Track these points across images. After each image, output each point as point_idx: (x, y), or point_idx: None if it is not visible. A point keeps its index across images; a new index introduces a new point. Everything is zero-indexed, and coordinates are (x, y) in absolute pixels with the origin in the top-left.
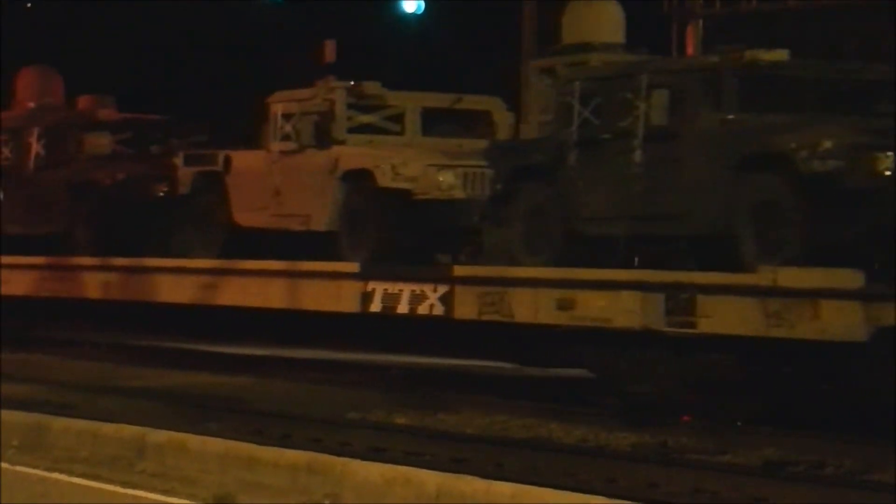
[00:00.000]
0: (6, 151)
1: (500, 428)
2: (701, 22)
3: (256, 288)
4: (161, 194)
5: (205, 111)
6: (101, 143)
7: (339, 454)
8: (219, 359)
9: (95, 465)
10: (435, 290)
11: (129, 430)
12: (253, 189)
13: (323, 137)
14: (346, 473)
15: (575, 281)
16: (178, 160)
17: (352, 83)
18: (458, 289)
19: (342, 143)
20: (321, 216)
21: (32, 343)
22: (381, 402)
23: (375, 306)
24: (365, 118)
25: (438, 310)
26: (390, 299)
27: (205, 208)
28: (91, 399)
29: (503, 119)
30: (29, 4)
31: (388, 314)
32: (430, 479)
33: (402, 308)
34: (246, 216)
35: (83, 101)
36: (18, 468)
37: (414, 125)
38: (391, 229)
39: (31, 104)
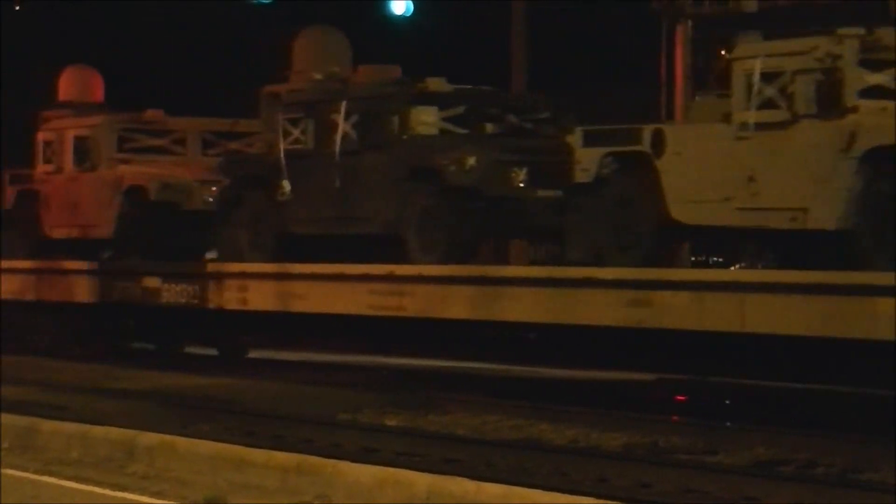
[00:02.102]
0: (294, 132)
1: (490, 429)
2: (690, 21)
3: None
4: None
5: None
6: (427, 119)
7: (329, 455)
8: (209, 361)
9: (86, 468)
10: None
11: (119, 433)
12: (706, 174)
13: (828, 103)
14: (337, 474)
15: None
16: (576, 139)
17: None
18: None
19: (854, 110)
20: (822, 209)
21: (22, 345)
22: (371, 403)
23: None
24: (875, 78)
25: None
26: None
27: (619, 202)
28: (81, 401)
29: None
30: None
31: None
32: (421, 480)
33: None
34: (692, 211)
35: (365, 72)
36: (8, 471)
37: None
38: None
39: (318, 75)
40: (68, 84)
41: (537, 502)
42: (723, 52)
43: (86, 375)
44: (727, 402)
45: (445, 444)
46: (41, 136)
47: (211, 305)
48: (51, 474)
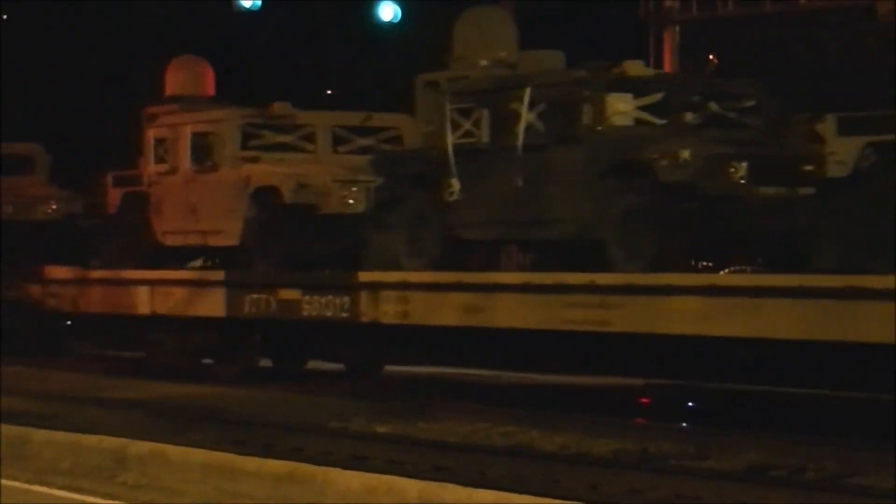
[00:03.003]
0: (464, 124)
1: (481, 436)
2: (678, 27)
3: None
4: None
5: None
6: (623, 108)
7: (320, 463)
8: (200, 369)
9: (77, 477)
10: None
11: (110, 442)
12: None
13: None
14: (328, 482)
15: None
16: (828, 127)
17: None
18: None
19: None
20: None
21: (9, 355)
22: (362, 410)
23: None
24: None
25: None
26: None
27: (881, 198)
28: (72, 410)
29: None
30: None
31: None
32: (412, 487)
33: None
34: None
35: (528, 58)
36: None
37: None
38: None
39: (483, 61)
40: (177, 77)
41: None
42: (711, 57)
43: (76, 385)
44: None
45: (436, 452)
46: (152, 134)
47: (364, 319)
48: (42, 483)
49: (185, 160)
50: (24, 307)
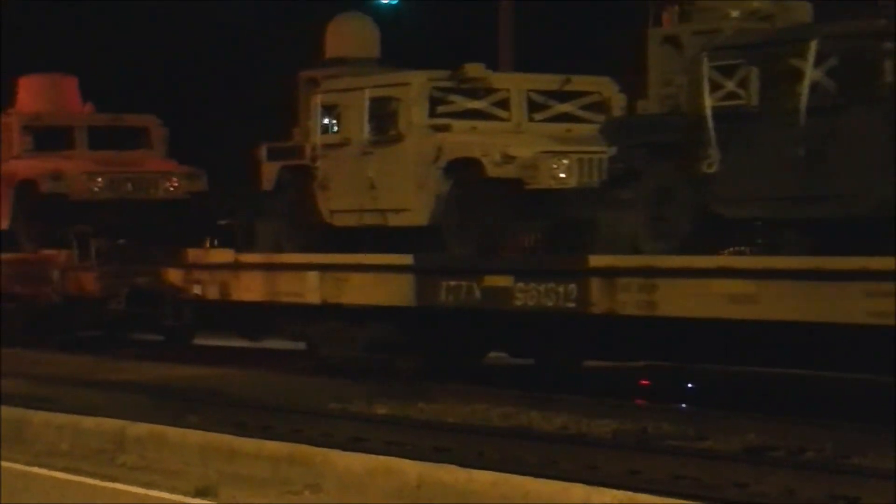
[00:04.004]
0: (727, 84)
1: (480, 417)
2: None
3: None
4: None
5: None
6: None
7: (319, 445)
8: (198, 351)
9: (76, 459)
10: None
11: (109, 424)
12: None
13: None
14: (327, 464)
15: None
16: None
17: None
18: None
19: None
20: None
21: (9, 338)
22: (361, 392)
23: None
24: None
25: None
26: None
27: None
28: (71, 393)
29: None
30: None
31: None
32: (411, 468)
33: None
34: None
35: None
36: None
37: None
38: None
39: (734, 12)
40: (338, 37)
41: (527, 490)
42: None
43: (74, 367)
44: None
45: (435, 433)
46: (319, 101)
47: (595, 311)
48: (42, 465)
49: (362, 130)
50: (156, 295)
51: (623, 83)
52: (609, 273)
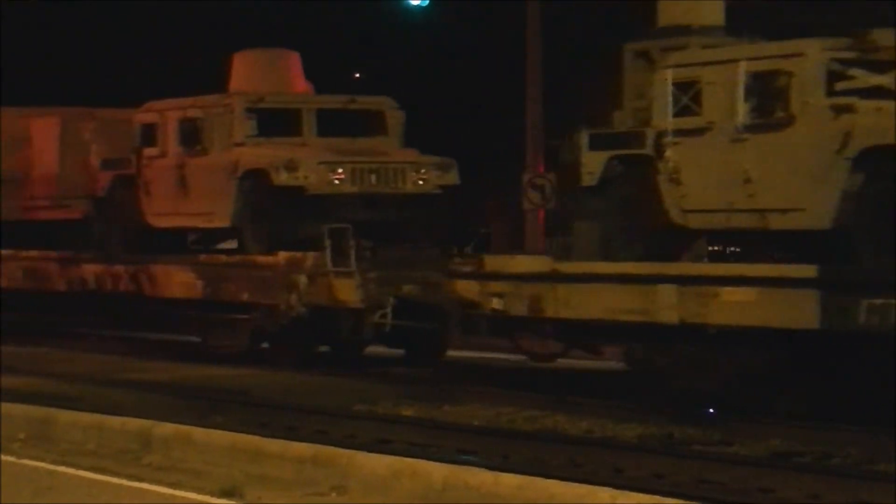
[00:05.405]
0: None
1: (506, 420)
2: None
3: None
4: None
5: None
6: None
7: (345, 446)
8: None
9: (102, 458)
10: None
11: (135, 423)
12: None
13: None
14: (353, 465)
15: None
16: None
17: None
18: None
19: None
20: None
21: (39, 335)
22: (387, 394)
23: None
24: None
25: None
26: None
27: None
28: (97, 392)
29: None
30: None
31: None
32: (437, 470)
33: None
34: None
35: None
36: (25, 461)
37: None
38: None
39: None
40: (677, 3)
41: (553, 493)
42: None
43: (100, 366)
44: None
45: (461, 435)
46: (669, 77)
47: None
48: (67, 465)
49: (733, 112)
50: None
51: None
52: None
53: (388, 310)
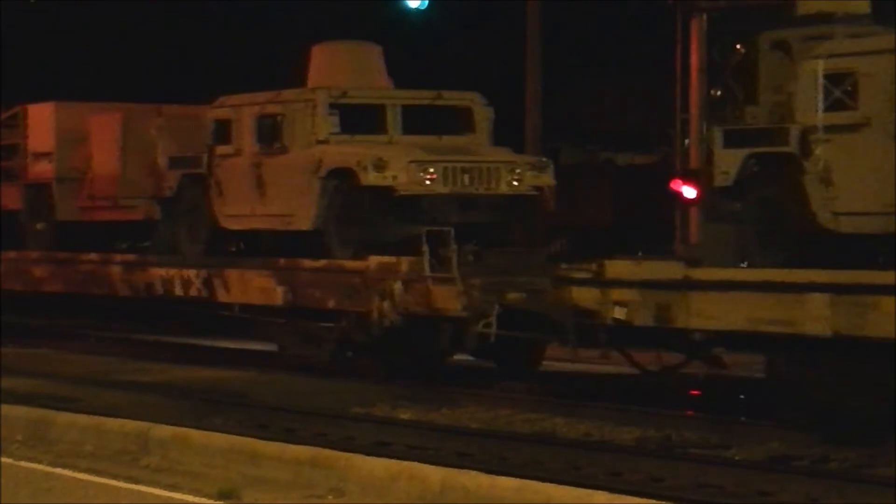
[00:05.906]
0: None
1: (503, 422)
2: (705, 16)
3: None
4: None
5: None
6: None
7: (342, 449)
8: (222, 353)
9: (100, 460)
10: None
11: (133, 425)
12: None
13: None
14: (350, 468)
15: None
16: None
17: None
18: None
19: None
20: None
21: (36, 337)
22: (384, 396)
23: None
24: None
25: None
26: None
27: None
28: (95, 394)
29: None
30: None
31: None
32: (434, 473)
33: None
34: None
35: None
36: (22, 463)
37: None
38: None
39: None
40: None
41: (550, 496)
42: (738, 47)
43: (97, 368)
44: (741, 396)
45: (459, 438)
46: (819, 68)
47: None
48: (65, 466)
49: (892, 105)
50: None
51: None
52: None
53: (493, 318)
